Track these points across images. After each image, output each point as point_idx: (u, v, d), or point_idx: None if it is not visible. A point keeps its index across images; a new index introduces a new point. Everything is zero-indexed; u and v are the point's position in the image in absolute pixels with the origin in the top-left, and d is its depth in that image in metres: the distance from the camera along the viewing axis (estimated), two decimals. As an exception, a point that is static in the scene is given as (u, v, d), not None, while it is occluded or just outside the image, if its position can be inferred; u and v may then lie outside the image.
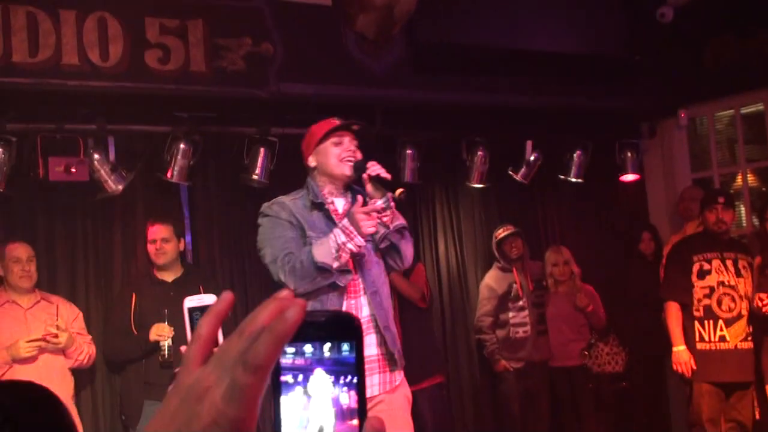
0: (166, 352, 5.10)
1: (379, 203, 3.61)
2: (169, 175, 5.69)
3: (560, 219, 7.62)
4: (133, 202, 5.82)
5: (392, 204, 3.65)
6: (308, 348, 0.77)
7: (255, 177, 5.93)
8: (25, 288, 5.08)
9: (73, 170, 5.24)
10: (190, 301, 2.19)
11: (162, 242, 5.34)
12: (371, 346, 3.72)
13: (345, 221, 3.56)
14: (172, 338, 5.09)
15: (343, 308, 3.62)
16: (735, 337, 5.42)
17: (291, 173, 6.07)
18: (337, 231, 3.55)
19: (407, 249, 3.84)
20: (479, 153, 6.75)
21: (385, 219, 3.68)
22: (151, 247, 5.39)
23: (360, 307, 3.71)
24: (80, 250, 5.67)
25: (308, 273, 3.54)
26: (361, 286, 3.73)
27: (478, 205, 7.23)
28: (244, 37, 5.67)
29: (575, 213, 7.62)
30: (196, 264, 6.05)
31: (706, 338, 5.47)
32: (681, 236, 6.49)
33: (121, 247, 5.79)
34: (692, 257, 5.52)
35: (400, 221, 3.79)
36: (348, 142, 3.77)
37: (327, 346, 0.77)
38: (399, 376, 3.84)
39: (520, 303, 6.64)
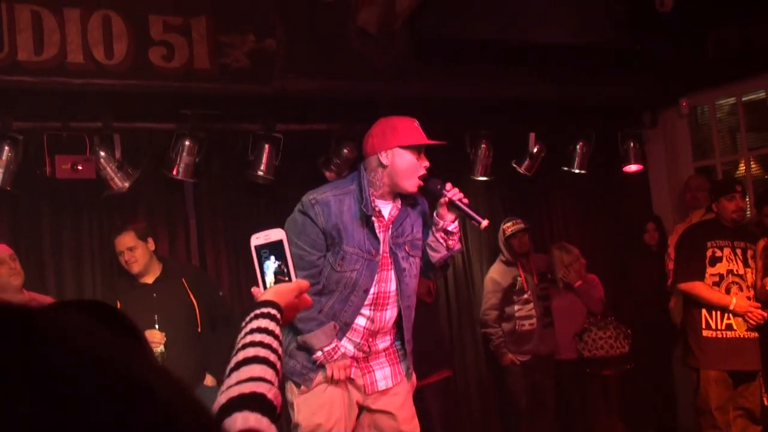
0: (159, 358, 5.04)
1: (452, 227, 3.61)
2: (174, 172, 5.69)
3: (564, 211, 7.64)
4: (139, 200, 5.82)
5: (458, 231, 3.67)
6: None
7: (260, 173, 5.94)
8: (15, 286, 4.76)
9: (80, 168, 5.23)
10: (257, 239, 2.13)
11: (128, 252, 5.17)
12: (386, 342, 3.77)
13: (329, 349, 3.57)
14: (165, 343, 4.98)
15: (367, 317, 3.62)
16: (741, 326, 5.42)
17: (296, 169, 6.14)
18: (324, 350, 3.57)
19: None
20: (482, 146, 6.76)
21: (450, 243, 3.65)
22: (121, 259, 5.23)
23: (384, 318, 3.68)
24: (87, 247, 5.66)
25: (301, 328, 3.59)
26: (394, 299, 3.66)
27: (482, 199, 7.23)
28: (247, 34, 5.67)
29: (579, 204, 7.64)
30: (202, 261, 6.06)
31: (713, 326, 5.46)
32: (687, 225, 6.50)
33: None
34: (706, 243, 5.50)
35: (458, 246, 3.76)
36: (424, 158, 3.62)
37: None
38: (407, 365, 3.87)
39: (525, 296, 6.63)
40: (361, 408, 3.78)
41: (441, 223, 3.61)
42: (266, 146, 5.92)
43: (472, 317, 6.99)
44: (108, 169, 5.44)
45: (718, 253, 5.47)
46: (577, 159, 7.24)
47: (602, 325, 6.77)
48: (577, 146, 7.22)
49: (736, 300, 5.37)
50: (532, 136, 6.96)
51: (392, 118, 3.66)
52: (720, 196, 5.58)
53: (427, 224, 3.76)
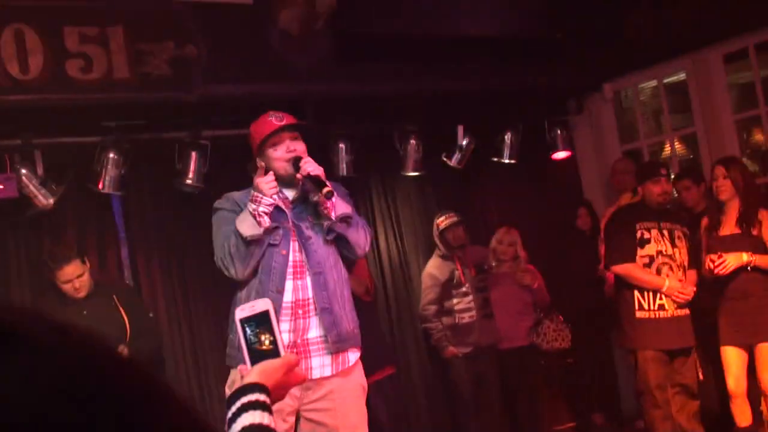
0: None
1: (315, 197, 3.83)
2: (100, 186, 5.59)
3: (497, 201, 7.68)
4: (66, 216, 5.70)
5: (334, 197, 3.76)
6: None
7: (189, 182, 5.87)
8: None
9: (1, 187, 5.11)
10: (242, 312, 2.02)
11: (77, 279, 5.08)
12: (314, 328, 3.76)
13: (251, 192, 3.77)
14: None
15: (289, 287, 3.76)
16: (672, 305, 5.51)
17: (225, 175, 6.05)
18: (248, 203, 3.74)
19: (357, 237, 3.88)
20: (411, 141, 6.77)
21: (325, 211, 3.79)
22: (67, 287, 5.08)
23: (305, 287, 3.78)
24: (14, 268, 5.53)
25: (244, 251, 3.71)
26: (306, 266, 3.80)
27: (415, 194, 7.25)
28: (166, 41, 5.58)
29: (511, 194, 7.69)
30: (135, 275, 5.96)
31: (646, 306, 5.54)
32: (616, 208, 6.59)
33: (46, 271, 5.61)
34: (635, 224, 5.58)
35: (343, 210, 3.83)
36: (286, 142, 3.84)
37: None
38: (352, 357, 3.85)
39: (464, 289, 6.65)
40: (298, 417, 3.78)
41: (311, 197, 3.89)
42: (193, 154, 5.84)
43: (412, 313, 7.00)
44: (31, 186, 5.31)
45: (647, 235, 5.55)
46: (506, 149, 7.30)
47: (553, 318, 6.90)
48: (506, 136, 7.28)
49: (669, 282, 5.45)
50: (460, 128, 6.99)
51: (252, 125, 3.99)
52: (645, 179, 5.66)
53: None
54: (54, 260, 5.10)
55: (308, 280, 3.79)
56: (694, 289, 5.49)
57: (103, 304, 5.14)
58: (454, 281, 6.62)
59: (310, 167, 3.74)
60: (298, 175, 3.79)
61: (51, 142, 5.51)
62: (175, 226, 6.04)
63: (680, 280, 5.51)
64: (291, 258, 3.80)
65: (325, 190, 3.67)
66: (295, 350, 3.65)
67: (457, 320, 6.60)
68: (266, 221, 3.70)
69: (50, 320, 0.62)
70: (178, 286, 6.09)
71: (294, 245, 3.82)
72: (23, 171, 5.28)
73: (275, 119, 3.86)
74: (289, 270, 3.79)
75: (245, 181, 5.78)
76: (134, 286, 5.92)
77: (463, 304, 6.62)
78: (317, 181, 3.72)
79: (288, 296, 3.75)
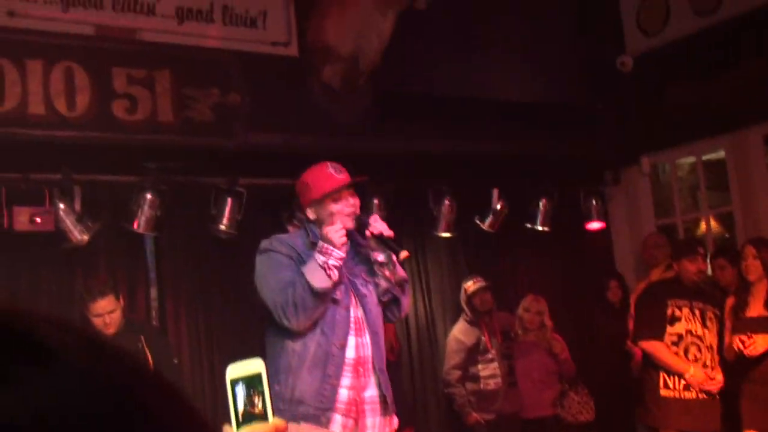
0: None
1: (381, 259, 3.77)
2: (135, 225, 5.63)
3: (527, 268, 7.64)
4: (98, 253, 5.74)
5: (394, 260, 3.76)
6: None
7: (222, 227, 5.90)
8: None
9: (38, 220, 5.16)
10: (233, 371, 1.88)
11: (108, 315, 5.04)
12: (372, 387, 3.74)
13: (319, 243, 3.63)
14: None
15: (351, 344, 3.70)
16: (699, 387, 5.43)
17: (259, 223, 6.09)
18: (316, 254, 3.60)
19: (406, 302, 3.93)
20: (446, 202, 6.78)
21: (387, 274, 3.78)
22: (98, 321, 5.03)
23: (365, 345, 3.73)
24: (44, 301, 5.55)
25: (311, 303, 3.58)
26: (365, 324, 3.76)
27: (446, 255, 7.23)
28: (211, 88, 5.68)
29: (542, 261, 7.65)
30: (162, 317, 5.97)
31: (671, 386, 5.45)
32: (647, 283, 6.53)
33: (79, 303, 5.64)
34: (667, 301, 5.52)
35: (402, 275, 3.83)
36: (347, 196, 3.76)
37: None
38: (395, 421, 3.84)
39: (489, 355, 6.59)
40: None
41: (372, 255, 3.80)
42: (229, 200, 5.88)
43: (435, 376, 6.93)
44: (67, 221, 5.36)
45: (678, 313, 5.48)
46: (540, 216, 7.28)
47: (578, 389, 6.81)
48: (540, 203, 7.26)
49: (693, 370, 5.37)
50: (495, 192, 6.99)
51: (305, 173, 3.86)
52: (682, 256, 5.61)
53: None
54: (89, 293, 5.09)
55: (367, 338, 3.73)
56: (722, 380, 5.39)
57: (131, 343, 5.13)
58: (480, 347, 6.56)
59: (382, 227, 3.67)
60: (367, 233, 3.70)
61: (91, 178, 5.58)
62: (205, 271, 6.06)
63: (707, 366, 5.42)
64: (352, 314, 3.74)
65: (403, 255, 3.64)
66: (354, 408, 3.65)
67: (482, 386, 6.53)
68: (335, 274, 3.60)
69: (80, 331, 0.60)
70: (204, 330, 6.08)
71: (352, 300, 3.76)
72: (61, 206, 5.34)
73: (334, 171, 3.76)
74: (351, 326, 3.73)
75: (277, 230, 5.83)
76: (161, 328, 5.93)
77: (489, 370, 6.56)
78: (389, 243, 3.68)
79: (350, 353, 3.69)
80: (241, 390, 1.93)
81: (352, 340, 3.70)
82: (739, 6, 6.78)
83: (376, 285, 3.81)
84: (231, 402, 1.93)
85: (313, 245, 3.70)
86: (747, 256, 5.39)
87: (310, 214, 3.80)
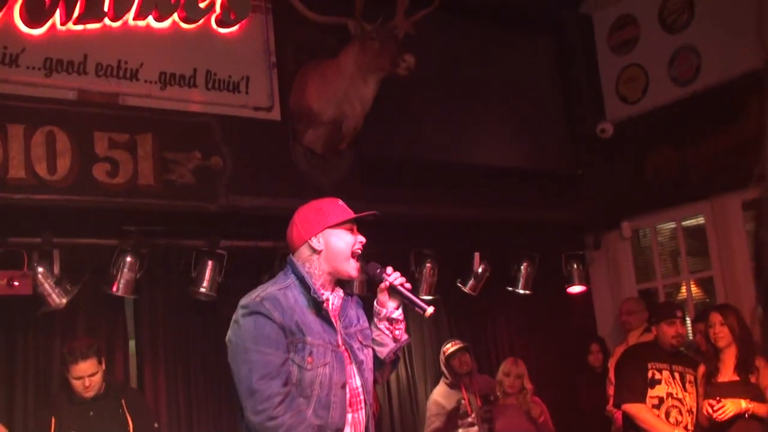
0: None
1: (396, 315, 3.30)
2: (114, 288, 5.61)
3: (509, 331, 7.64)
4: (77, 316, 5.70)
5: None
6: None
7: (203, 290, 5.88)
8: None
9: (16, 284, 5.14)
10: None
11: (89, 378, 5.00)
12: None
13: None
14: None
15: (348, 422, 3.12)
16: (680, 449, 5.40)
17: (240, 286, 6.06)
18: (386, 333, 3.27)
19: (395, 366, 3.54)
20: (427, 265, 6.79)
21: (397, 333, 3.33)
22: (78, 384, 5.00)
23: (360, 423, 3.18)
24: (20, 366, 5.49)
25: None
26: (362, 397, 3.21)
27: (427, 318, 7.18)
28: (193, 151, 5.72)
29: (523, 325, 7.65)
30: (140, 380, 5.92)
31: None
32: (625, 347, 6.53)
33: (60, 365, 5.60)
34: (647, 363, 5.52)
35: (406, 336, 3.41)
36: (357, 233, 3.28)
37: None
38: None
39: (469, 419, 6.54)
40: None
41: (383, 311, 3.29)
42: (209, 263, 5.87)
43: (416, 439, 6.88)
44: (46, 284, 5.33)
45: (658, 376, 5.48)
46: (521, 279, 7.31)
47: None
48: (522, 267, 7.30)
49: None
50: (476, 255, 7.02)
51: (313, 202, 3.31)
52: (660, 320, 5.62)
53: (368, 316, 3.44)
54: (71, 354, 5.03)
55: (363, 414, 3.19)
56: None
57: (111, 407, 5.09)
58: (461, 411, 6.52)
59: (402, 281, 3.28)
60: (383, 285, 3.26)
61: (70, 242, 5.56)
62: (185, 334, 6.03)
63: (688, 430, 5.40)
64: (348, 389, 3.15)
65: (429, 311, 3.24)
66: None
67: (462, 450, 6.47)
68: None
69: None
70: (183, 393, 6.03)
71: (349, 370, 3.18)
72: (40, 269, 5.31)
73: (344, 204, 3.31)
74: (348, 403, 3.15)
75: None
76: (141, 388, 5.87)
77: (469, 434, 6.51)
78: (412, 298, 3.28)
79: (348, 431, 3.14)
80: None
81: (349, 418, 3.14)
82: (717, 75, 6.91)
83: (373, 347, 3.30)
84: None
85: (316, 303, 3.17)
86: (714, 324, 5.39)
87: (316, 244, 3.20)
